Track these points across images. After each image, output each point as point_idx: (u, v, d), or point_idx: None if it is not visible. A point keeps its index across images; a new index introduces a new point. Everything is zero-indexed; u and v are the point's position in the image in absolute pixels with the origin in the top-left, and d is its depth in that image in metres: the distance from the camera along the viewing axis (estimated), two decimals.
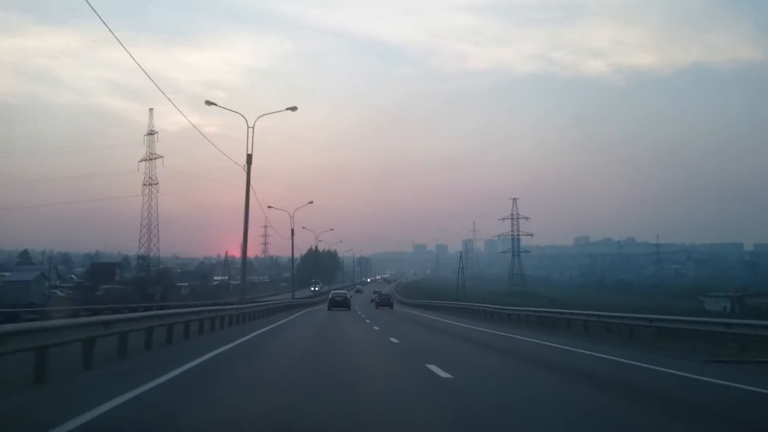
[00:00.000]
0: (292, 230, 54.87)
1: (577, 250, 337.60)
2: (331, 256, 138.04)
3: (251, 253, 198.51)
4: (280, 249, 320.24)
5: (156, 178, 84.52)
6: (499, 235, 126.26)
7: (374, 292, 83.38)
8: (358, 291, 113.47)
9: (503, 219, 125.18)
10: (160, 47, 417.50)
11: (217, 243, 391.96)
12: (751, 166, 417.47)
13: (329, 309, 48.28)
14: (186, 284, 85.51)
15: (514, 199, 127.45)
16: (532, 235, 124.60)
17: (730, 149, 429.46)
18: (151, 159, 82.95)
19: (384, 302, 61.21)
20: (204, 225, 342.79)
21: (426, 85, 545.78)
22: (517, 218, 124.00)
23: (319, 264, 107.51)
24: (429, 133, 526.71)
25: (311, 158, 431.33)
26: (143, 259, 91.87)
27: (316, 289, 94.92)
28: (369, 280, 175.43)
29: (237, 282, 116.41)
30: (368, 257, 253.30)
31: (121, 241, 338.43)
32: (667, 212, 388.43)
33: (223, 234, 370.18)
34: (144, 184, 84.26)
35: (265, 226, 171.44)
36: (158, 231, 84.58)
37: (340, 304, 49.58)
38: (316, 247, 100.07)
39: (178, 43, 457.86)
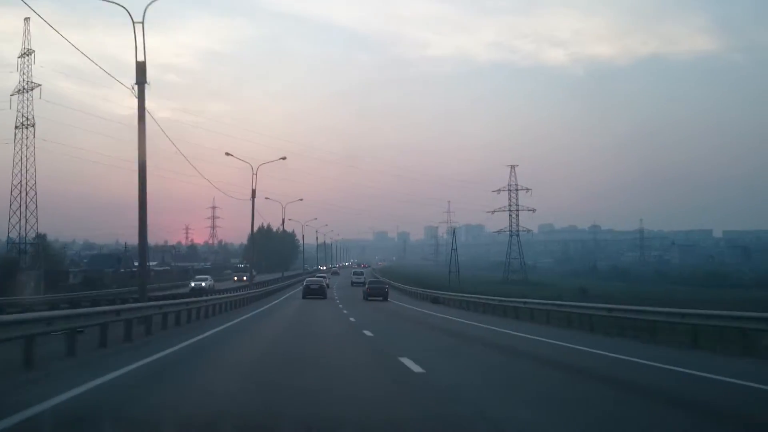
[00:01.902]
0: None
1: (543, 236, 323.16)
2: (287, 238, 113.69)
3: (199, 239, 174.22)
4: (230, 234, 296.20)
5: (33, 117, 57.65)
6: (492, 211, 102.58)
7: (354, 273, 72.68)
8: (335, 273, 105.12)
9: (498, 191, 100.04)
10: (115, 30, 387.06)
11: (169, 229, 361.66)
12: (713, 155, 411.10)
13: (304, 298, 44.40)
14: (79, 270, 61.31)
15: (513, 167, 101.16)
16: (534, 210, 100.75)
17: (689, 138, 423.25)
18: (26, 90, 57.07)
19: (376, 291, 45.74)
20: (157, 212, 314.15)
21: (387, 72, 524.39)
22: (516, 190, 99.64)
23: (270, 247, 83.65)
24: (389, 121, 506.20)
25: (266, 143, 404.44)
26: (41, 238, 67.73)
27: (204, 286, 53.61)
28: (323, 267, 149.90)
29: (163, 268, 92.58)
30: (329, 244, 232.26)
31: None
32: (631, 200, 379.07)
33: (177, 220, 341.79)
34: (17, 126, 57.68)
35: (213, 207, 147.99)
36: (35, 192, 59.69)
37: (316, 292, 45.21)
38: (268, 224, 76.91)
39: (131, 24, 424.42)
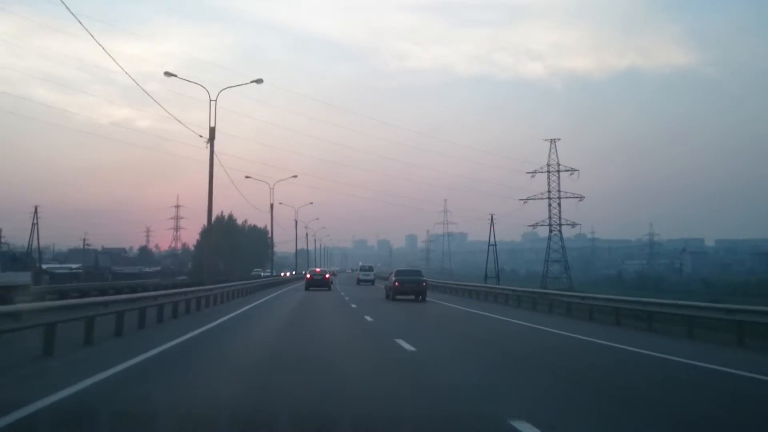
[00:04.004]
0: None
1: (528, 245, 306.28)
2: (257, 235, 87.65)
3: (165, 245, 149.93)
4: (194, 238, 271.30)
5: None
6: (525, 199, 76.77)
7: (362, 270, 67.72)
8: (333, 274, 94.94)
9: (533, 174, 75.02)
10: (95, 37, 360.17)
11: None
12: (703, 165, 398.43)
13: (306, 289, 43.79)
14: None
15: (553, 140, 75.05)
16: (582, 198, 73.59)
17: (675, 148, 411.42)
18: None
19: (409, 287, 32.39)
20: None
21: (366, 82, 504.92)
22: (558, 171, 73.00)
23: (233, 244, 59.40)
24: (368, 131, 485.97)
25: (245, 153, 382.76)
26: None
27: None
28: (289, 274, 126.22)
29: (64, 271, 67.06)
30: (308, 250, 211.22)
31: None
32: (616, 208, 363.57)
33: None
34: None
35: (177, 206, 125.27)
36: None
37: (319, 283, 44.90)
38: (229, 215, 53.02)
39: (113, 33, 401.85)
